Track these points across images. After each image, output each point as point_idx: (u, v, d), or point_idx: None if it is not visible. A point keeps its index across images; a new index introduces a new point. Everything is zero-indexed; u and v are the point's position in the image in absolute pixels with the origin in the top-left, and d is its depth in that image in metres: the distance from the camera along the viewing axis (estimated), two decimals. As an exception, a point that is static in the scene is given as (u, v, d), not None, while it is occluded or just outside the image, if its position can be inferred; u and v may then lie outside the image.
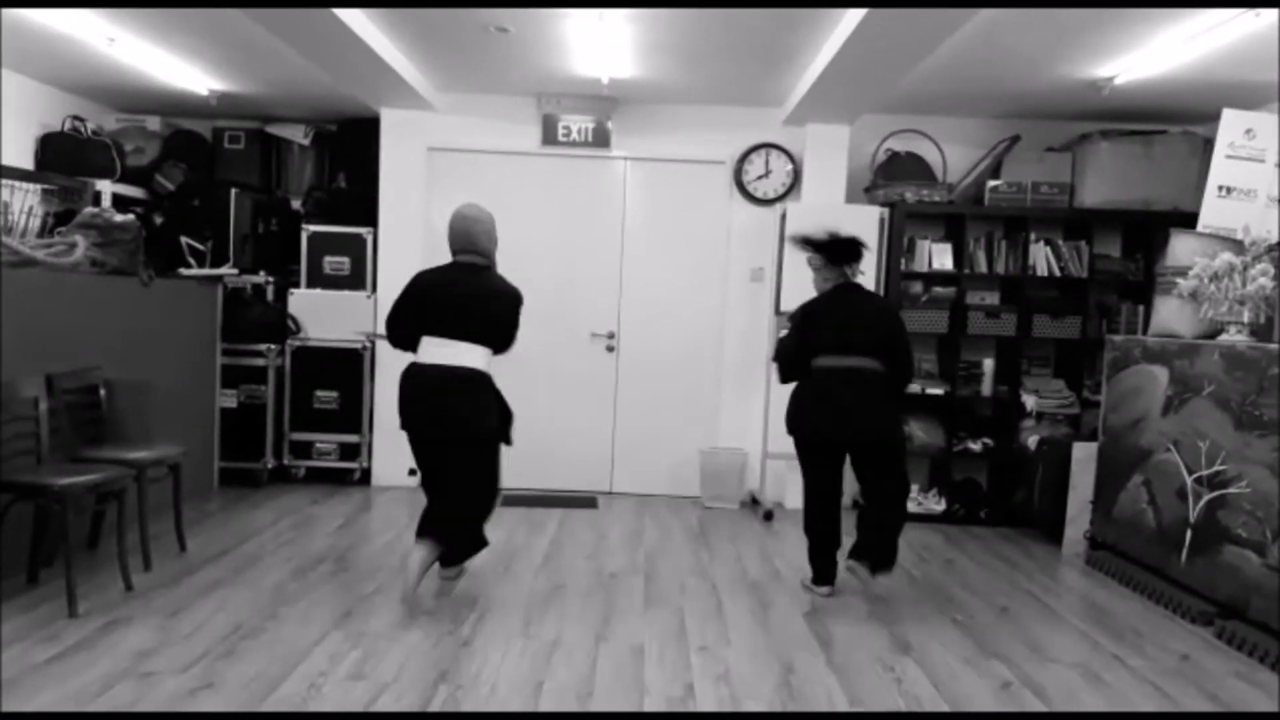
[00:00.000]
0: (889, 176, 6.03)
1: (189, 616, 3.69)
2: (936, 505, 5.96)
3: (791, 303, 5.88)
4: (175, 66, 5.47)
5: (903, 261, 5.91)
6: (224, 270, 5.99)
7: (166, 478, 4.42)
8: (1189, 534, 4.22)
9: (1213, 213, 4.97)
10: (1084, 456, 5.16)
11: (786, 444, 6.02)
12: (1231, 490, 3.97)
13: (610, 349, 6.39)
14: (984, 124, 6.22)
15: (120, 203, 5.88)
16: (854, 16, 4.04)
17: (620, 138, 6.24)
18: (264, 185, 6.65)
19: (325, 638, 3.53)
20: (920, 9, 3.68)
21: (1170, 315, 4.77)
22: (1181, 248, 4.97)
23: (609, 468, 6.44)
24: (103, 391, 4.46)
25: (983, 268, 5.99)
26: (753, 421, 6.25)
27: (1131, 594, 4.55)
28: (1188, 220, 5.14)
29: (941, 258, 5.98)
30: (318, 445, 6.19)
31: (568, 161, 6.30)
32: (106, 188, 5.94)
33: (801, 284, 5.84)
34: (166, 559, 4.39)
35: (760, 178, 6.29)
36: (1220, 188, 4.97)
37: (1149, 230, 5.79)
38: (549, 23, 4.60)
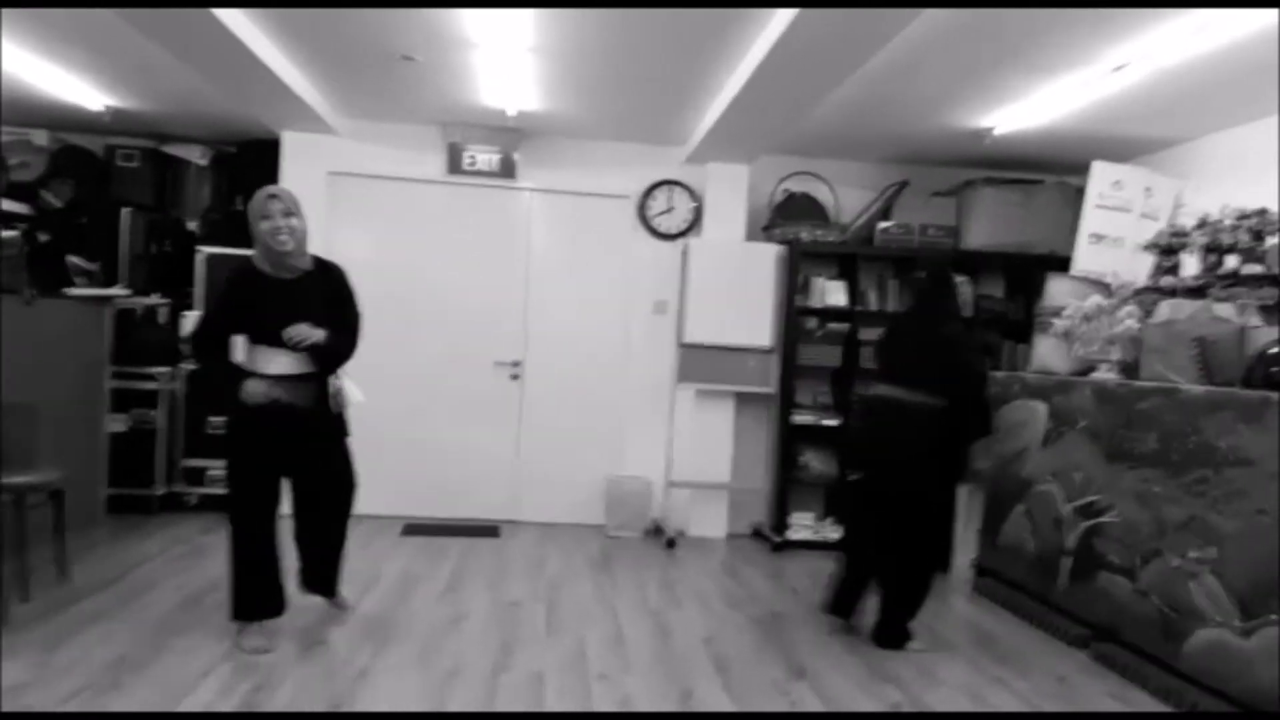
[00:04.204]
0: (786, 216, 6.23)
1: (68, 649, 3.54)
2: (832, 533, 6.12)
3: (695, 335, 6.04)
4: (67, 80, 5.30)
5: (799, 297, 6.11)
6: (114, 290, 5.79)
7: (47, 504, 4.24)
8: (1067, 561, 4.46)
9: (1085, 258, 5.31)
10: (972, 487, 5.39)
11: (689, 473, 6.19)
12: (1104, 519, 4.21)
13: (515, 377, 6.40)
14: (875, 168, 6.49)
15: (3, 218, 5.64)
16: (755, 55, 4.20)
17: (526, 169, 6.29)
18: (158, 205, 6.45)
19: (214, 669, 3.43)
20: (828, 42, 3.84)
21: (1048, 353, 5.05)
22: (1057, 290, 5.29)
23: (513, 497, 6.42)
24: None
25: (874, 305, 6.23)
26: (657, 451, 6.33)
27: (1015, 619, 4.75)
28: (1063, 264, 5.48)
29: (835, 294, 6.19)
30: (210, 472, 6.00)
31: (473, 191, 6.32)
32: (-12, 203, 5.70)
33: (705, 317, 6.01)
34: (47, 589, 4.19)
35: (663, 213, 6.42)
36: (1092, 235, 5.32)
37: (1029, 272, 6.11)
38: (455, 53, 4.63)
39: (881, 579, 4.20)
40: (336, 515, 4.00)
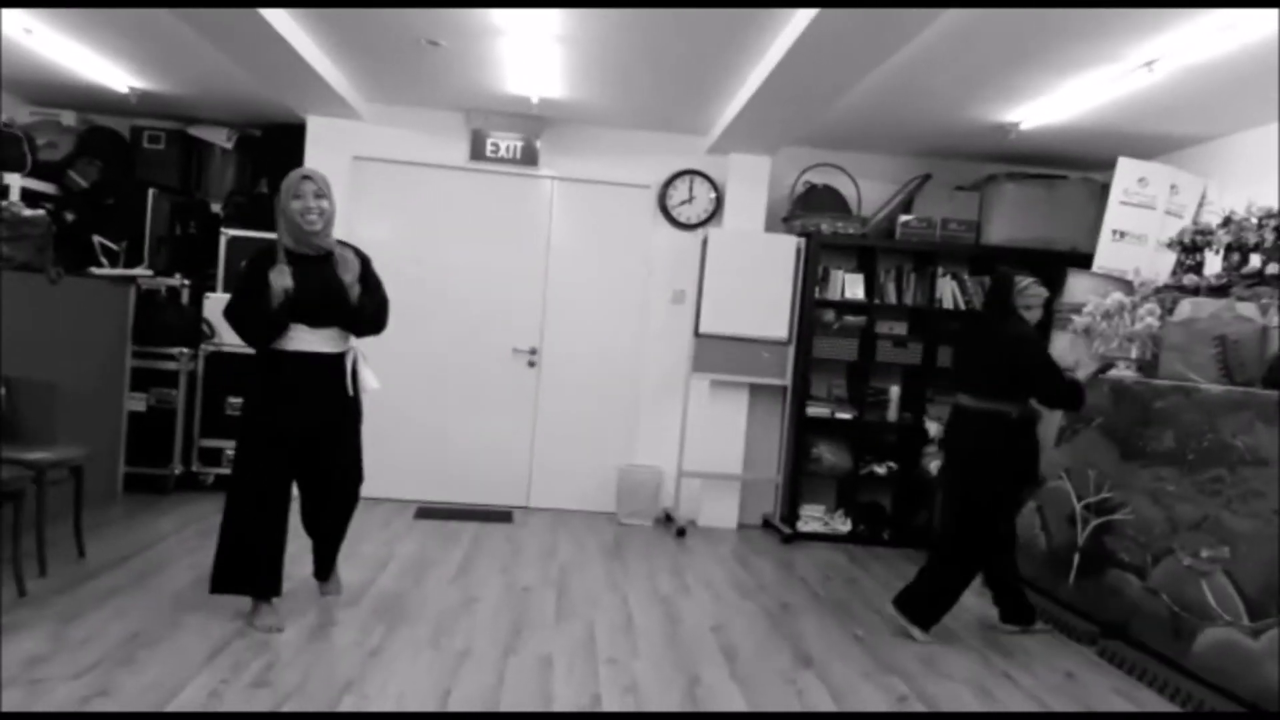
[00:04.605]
0: (806, 208, 6.22)
1: (84, 623, 3.59)
2: (842, 526, 6.14)
3: (711, 326, 6.05)
4: (95, 62, 5.36)
5: (817, 290, 6.10)
6: (137, 271, 5.86)
7: (67, 480, 4.30)
8: (1077, 558, 4.44)
9: (1107, 254, 5.28)
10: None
11: (702, 463, 6.21)
12: (1116, 516, 4.19)
13: (531, 364, 6.42)
14: (898, 161, 6.46)
15: (30, 197, 5.71)
16: (780, 47, 4.19)
17: (548, 157, 6.31)
18: (183, 187, 6.52)
19: (228, 646, 3.48)
20: (852, 37, 3.83)
21: (1066, 349, 5.01)
22: (1078, 286, 5.26)
23: (526, 482, 6.46)
24: (3, 390, 4.33)
25: (892, 299, 6.21)
26: (670, 440, 6.34)
27: (1023, 615, 4.74)
28: (1084, 260, 5.45)
29: (854, 287, 6.18)
30: (228, 452, 6.06)
31: (495, 178, 6.34)
32: (15, 181, 5.76)
33: (721, 308, 6.02)
34: (64, 564, 4.26)
35: (684, 203, 6.42)
36: (1115, 231, 5.28)
37: (1049, 268, 5.97)
38: (481, 40, 4.65)
39: (930, 561, 4.28)
40: (343, 502, 3.96)
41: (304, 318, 3.65)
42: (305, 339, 3.68)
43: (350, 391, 3.80)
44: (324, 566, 4.07)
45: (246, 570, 3.70)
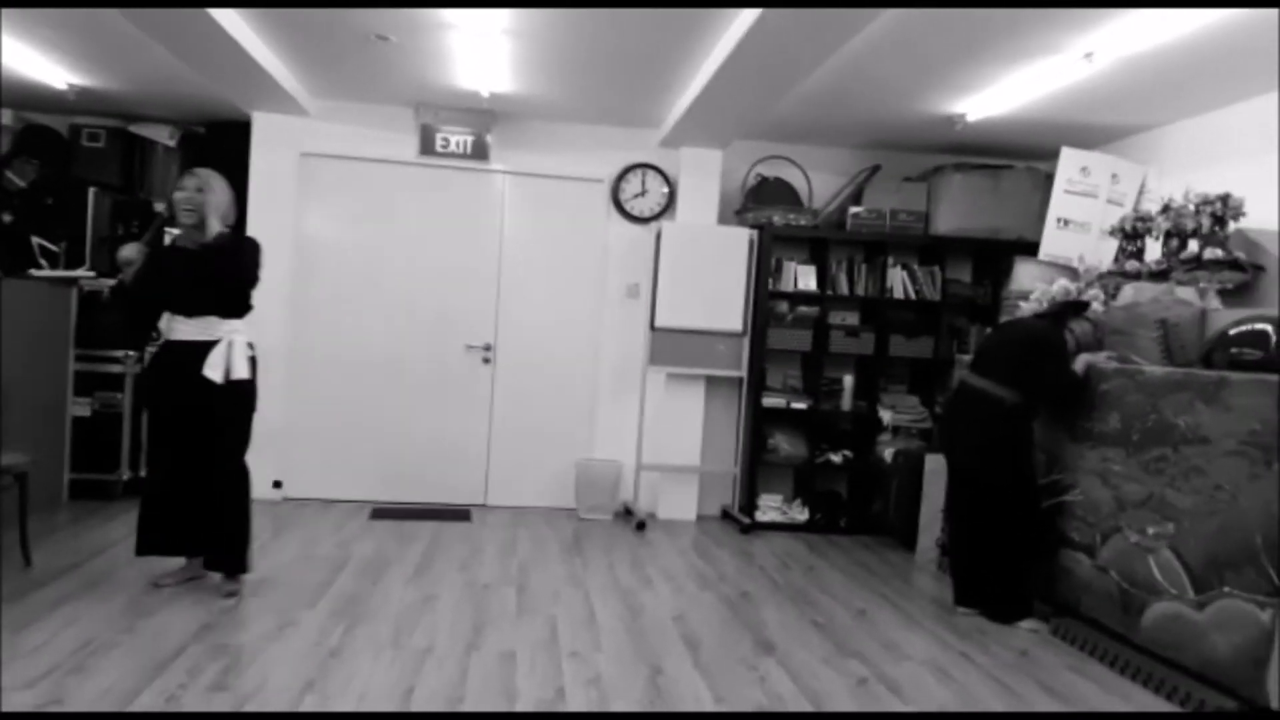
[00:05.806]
0: (758, 200, 6.26)
1: (34, 632, 3.50)
2: (800, 515, 6.20)
3: (666, 319, 6.07)
4: (31, 58, 5.22)
5: (770, 281, 6.15)
6: (79, 272, 5.73)
7: (12, 488, 4.20)
8: (1028, 539, 4.52)
9: (1052, 242, 5.39)
10: (936, 468, 5.43)
11: (660, 455, 6.23)
12: (1067, 498, 4.29)
13: (486, 360, 6.39)
14: (847, 153, 6.53)
15: (-36, 199, 5.57)
16: (728, 42, 4.22)
17: (500, 151, 6.28)
18: (125, 186, 6.38)
19: (184, 651, 3.42)
20: (799, 31, 3.88)
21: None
22: (1025, 274, 5.36)
23: (484, 480, 6.42)
24: (-58, 396, 4.22)
25: (844, 289, 6.27)
26: (628, 433, 6.36)
27: (978, 597, 4.83)
28: (1031, 249, 5.55)
29: (806, 279, 6.24)
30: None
31: (446, 173, 6.29)
32: (-51, 182, 5.62)
33: (676, 301, 6.04)
34: (11, 573, 4.15)
35: (637, 196, 6.43)
36: (1059, 220, 5.39)
37: (996, 257, 6.17)
38: (430, 33, 4.61)
39: (953, 552, 4.58)
40: (227, 484, 4.07)
41: (179, 308, 3.98)
42: (179, 328, 3.99)
43: (219, 379, 3.92)
44: (225, 557, 4.10)
45: (160, 533, 4.08)
